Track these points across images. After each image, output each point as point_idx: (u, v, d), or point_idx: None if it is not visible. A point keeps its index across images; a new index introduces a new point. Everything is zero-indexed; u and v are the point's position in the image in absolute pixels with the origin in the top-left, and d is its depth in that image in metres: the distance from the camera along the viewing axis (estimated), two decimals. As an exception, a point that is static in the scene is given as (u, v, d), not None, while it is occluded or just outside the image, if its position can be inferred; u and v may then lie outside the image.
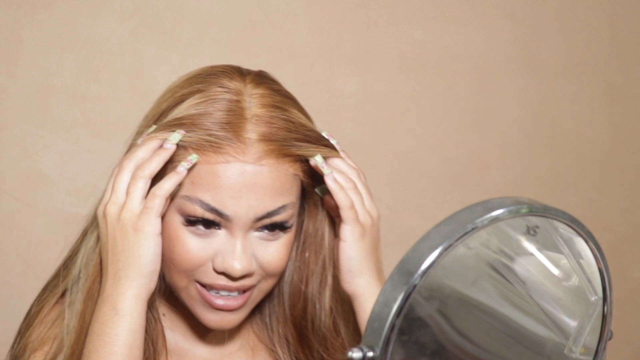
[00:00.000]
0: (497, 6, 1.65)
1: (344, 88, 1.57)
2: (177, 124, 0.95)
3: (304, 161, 0.99)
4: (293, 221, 0.99)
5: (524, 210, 0.69)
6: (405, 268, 0.65)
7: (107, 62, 1.46)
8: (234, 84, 0.97)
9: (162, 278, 1.02)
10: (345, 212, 0.99)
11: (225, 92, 0.96)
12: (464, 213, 0.67)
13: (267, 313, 1.10)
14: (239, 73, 1.01)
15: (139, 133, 1.02)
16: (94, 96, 1.46)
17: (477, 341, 0.72)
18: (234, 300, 0.98)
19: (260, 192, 0.94)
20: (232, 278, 0.96)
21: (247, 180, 0.93)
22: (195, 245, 0.95)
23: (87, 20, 1.45)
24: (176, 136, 0.94)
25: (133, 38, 1.46)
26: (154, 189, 0.93)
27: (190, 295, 0.99)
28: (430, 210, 1.63)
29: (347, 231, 1.00)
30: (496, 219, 0.68)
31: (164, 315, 1.08)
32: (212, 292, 0.98)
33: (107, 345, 0.90)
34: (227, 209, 0.94)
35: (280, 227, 0.98)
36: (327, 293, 1.06)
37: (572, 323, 0.76)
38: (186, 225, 0.95)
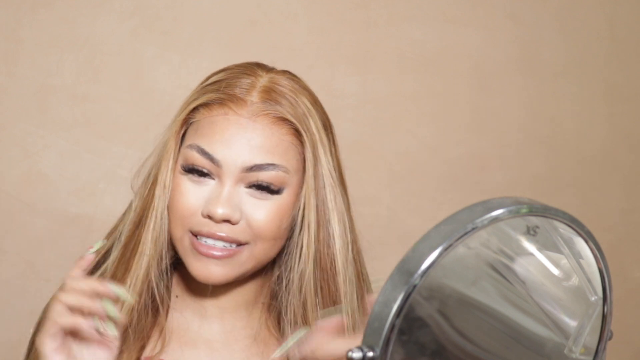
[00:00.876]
0: (497, 6, 1.65)
1: (344, 88, 1.57)
2: (195, 96, 1.06)
3: (301, 140, 1.05)
4: (283, 188, 1.04)
5: (524, 210, 0.69)
6: (405, 268, 0.65)
7: (107, 62, 1.46)
8: (259, 71, 1.08)
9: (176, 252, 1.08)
10: None
11: (245, 70, 1.07)
12: (464, 213, 0.67)
13: (285, 308, 1.10)
14: (268, 67, 1.11)
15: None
16: (94, 96, 1.46)
17: (477, 341, 0.72)
18: (218, 250, 1.03)
19: (252, 144, 1.02)
20: (215, 221, 1.01)
21: (241, 132, 1.02)
22: (189, 191, 1.03)
23: (87, 20, 1.45)
24: (97, 244, 1.02)
25: (133, 38, 1.46)
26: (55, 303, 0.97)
27: (184, 245, 1.04)
28: (430, 210, 1.63)
29: None
30: (496, 219, 0.68)
31: (177, 297, 1.12)
32: (200, 240, 1.03)
33: None
34: (217, 153, 1.02)
35: (268, 189, 1.03)
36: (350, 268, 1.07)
37: (572, 323, 0.76)
38: (184, 174, 1.04)
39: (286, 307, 1.09)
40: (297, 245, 1.07)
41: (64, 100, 1.45)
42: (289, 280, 1.08)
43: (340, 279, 1.07)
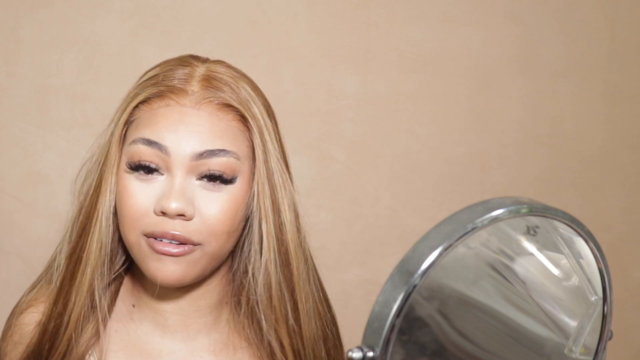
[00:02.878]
0: (497, 6, 1.65)
1: (344, 88, 1.57)
2: (133, 94, 1.03)
3: (247, 126, 1.01)
4: (236, 177, 0.99)
5: (524, 210, 0.69)
6: (405, 268, 0.65)
7: (107, 62, 1.46)
8: (195, 62, 1.05)
9: (132, 260, 1.05)
10: None
11: (180, 62, 1.04)
12: (464, 213, 0.67)
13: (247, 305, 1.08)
14: (203, 59, 1.07)
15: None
16: (94, 96, 1.46)
17: (477, 341, 0.72)
18: (174, 247, 0.97)
19: (199, 130, 0.98)
20: (169, 216, 0.96)
21: (186, 119, 0.98)
22: (137, 191, 0.98)
23: (87, 20, 1.45)
24: None
25: (133, 38, 1.46)
26: None
27: (141, 249, 0.99)
28: (430, 210, 1.63)
29: None
30: (496, 219, 0.68)
31: (133, 306, 1.08)
32: (157, 241, 0.98)
33: None
34: (165, 140, 0.97)
35: (221, 179, 0.98)
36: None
37: (572, 323, 0.76)
38: (130, 172, 0.99)
39: (255, 300, 1.05)
40: (257, 235, 1.03)
41: (63, 100, 1.45)
42: (254, 272, 1.04)
43: (294, 263, 1.04)
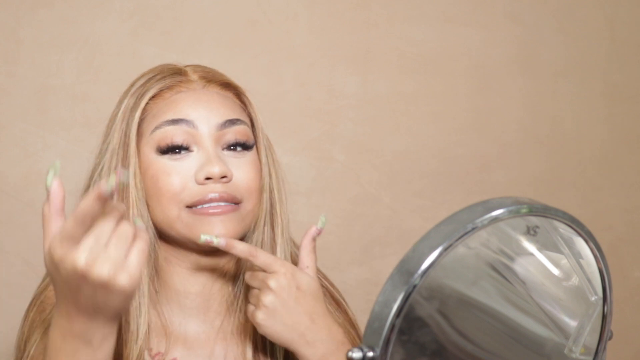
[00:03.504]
0: (497, 6, 1.65)
1: (344, 88, 1.57)
2: (137, 95, 1.09)
3: (244, 104, 1.13)
4: (253, 142, 1.11)
5: (524, 210, 0.69)
6: (405, 268, 0.65)
7: (107, 62, 1.46)
8: (177, 66, 1.14)
9: (154, 250, 1.09)
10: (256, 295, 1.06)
11: (165, 67, 1.13)
12: (464, 213, 0.67)
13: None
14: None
15: (104, 141, 1.13)
16: (94, 96, 1.46)
17: (477, 341, 0.72)
18: (224, 207, 1.05)
19: (215, 105, 1.08)
20: (215, 180, 1.04)
21: (201, 98, 1.09)
22: (175, 168, 1.05)
23: (87, 20, 1.45)
24: (111, 179, 0.82)
25: (133, 38, 1.46)
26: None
27: (184, 221, 1.05)
28: (430, 210, 1.63)
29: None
30: (496, 219, 0.68)
31: (156, 292, 1.12)
32: (203, 208, 1.05)
33: None
34: (190, 115, 1.06)
35: (243, 145, 1.09)
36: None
37: (572, 323, 0.76)
38: (161, 155, 1.06)
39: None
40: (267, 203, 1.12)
41: (63, 100, 1.45)
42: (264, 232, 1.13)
43: (279, 219, 1.14)
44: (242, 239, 1.12)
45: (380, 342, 0.64)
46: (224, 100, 1.10)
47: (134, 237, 0.82)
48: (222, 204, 1.05)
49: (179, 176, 1.05)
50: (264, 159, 1.13)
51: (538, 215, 0.71)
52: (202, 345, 1.12)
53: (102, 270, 0.79)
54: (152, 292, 1.12)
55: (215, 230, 1.04)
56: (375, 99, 1.59)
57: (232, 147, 1.08)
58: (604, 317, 0.76)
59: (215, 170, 1.04)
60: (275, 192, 1.14)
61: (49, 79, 1.44)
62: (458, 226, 0.66)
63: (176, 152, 1.06)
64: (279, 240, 1.13)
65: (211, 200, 1.04)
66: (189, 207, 1.05)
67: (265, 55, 1.53)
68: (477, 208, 0.68)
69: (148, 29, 1.47)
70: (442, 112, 1.63)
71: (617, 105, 1.74)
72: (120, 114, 1.11)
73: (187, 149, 1.06)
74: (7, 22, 1.42)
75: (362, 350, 0.64)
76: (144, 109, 1.09)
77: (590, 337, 0.77)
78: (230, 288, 1.14)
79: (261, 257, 1.03)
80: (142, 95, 1.10)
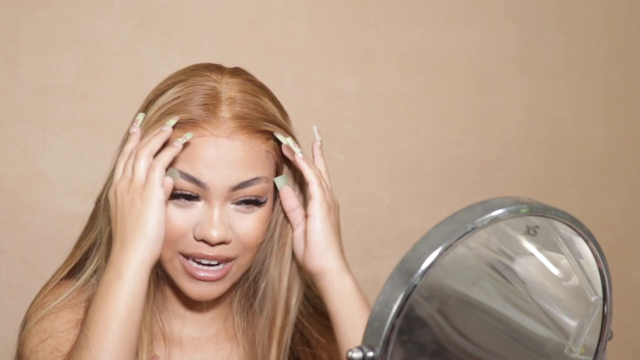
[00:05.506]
0: (497, 6, 1.65)
1: (344, 88, 1.57)
2: (162, 112, 1.06)
3: (277, 142, 1.08)
4: (267, 197, 1.07)
5: (524, 210, 0.69)
6: (405, 268, 0.65)
7: (107, 62, 1.46)
8: (212, 75, 1.08)
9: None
10: (314, 189, 1.06)
11: (205, 80, 1.07)
12: (464, 213, 0.67)
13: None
14: (218, 67, 1.11)
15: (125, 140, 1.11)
16: (94, 96, 1.46)
17: (477, 341, 0.72)
18: (213, 272, 1.05)
19: (234, 163, 1.03)
20: (210, 244, 1.03)
21: (221, 152, 1.03)
22: (177, 217, 1.04)
23: (87, 20, 1.45)
24: (172, 121, 1.03)
25: (133, 38, 1.46)
26: (153, 161, 1.01)
27: (175, 267, 1.06)
28: (430, 210, 1.63)
29: (316, 207, 1.06)
30: (496, 219, 0.68)
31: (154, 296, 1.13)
32: (194, 264, 1.05)
33: (109, 305, 0.96)
34: (204, 177, 1.03)
35: (255, 202, 1.06)
36: (285, 278, 1.12)
37: (572, 323, 0.76)
38: (169, 199, 1.04)
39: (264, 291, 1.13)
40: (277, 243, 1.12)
41: (63, 100, 1.45)
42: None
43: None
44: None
45: (380, 342, 0.64)
46: (248, 153, 1.04)
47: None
48: (214, 264, 1.05)
49: (179, 224, 1.04)
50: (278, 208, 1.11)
51: (538, 215, 0.71)
52: (199, 349, 1.13)
53: (120, 185, 1.01)
54: (149, 297, 1.13)
55: (198, 291, 1.06)
56: (375, 99, 1.59)
57: (242, 203, 1.05)
58: (604, 317, 0.76)
59: (214, 235, 1.02)
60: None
61: (49, 79, 1.44)
62: (458, 226, 0.66)
63: (183, 200, 1.04)
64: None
65: (204, 257, 1.04)
66: (183, 255, 1.05)
67: (265, 55, 1.53)
68: (477, 208, 0.68)
69: (148, 29, 1.47)
70: (442, 112, 1.63)
71: (617, 105, 1.74)
72: (143, 123, 1.09)
73: (195, 197, 1.04)
74: (7, 22, 1.42)
75: (362, 350, 0.64)
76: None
77: (590, 337, 0.77)
78: (227, 294, 1.15)
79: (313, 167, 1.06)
80: (162, 116, 1.06)
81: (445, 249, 0.65)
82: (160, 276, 1.12)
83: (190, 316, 1.15)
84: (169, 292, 1.14)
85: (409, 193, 1.62)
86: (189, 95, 1.06)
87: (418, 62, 1.61)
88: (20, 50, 1.43)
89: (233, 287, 1.14)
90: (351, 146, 1.59)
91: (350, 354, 0.64)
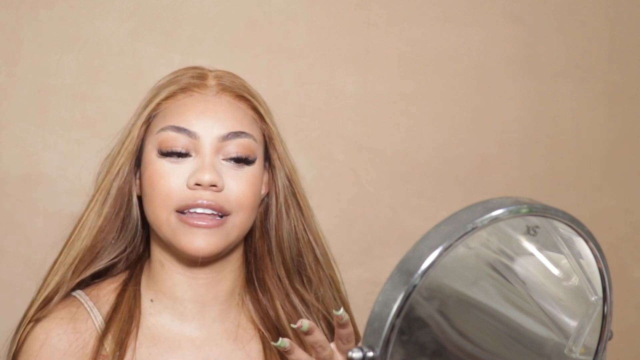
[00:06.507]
0: (497, 6, 1.65)
1: (344, 88, 1.57)
2: (155, 91, 1.13)
3: (259, 116, 1.14)
4: (256, 157, 1.11)
5: (524, 210, 0.69)
6: (405, 268, 0.65)
7: (107, 62, 1.46)
8: (198, 67, 1.17)
9: (149, 260, 1.15)
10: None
11: (194, 69, 1.16)
12: (464, 213, 0.67)
13: (259, 286, 1.18)
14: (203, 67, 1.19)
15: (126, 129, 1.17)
16: (94, 96, 1.46)
17: (477, 341, 0.72)
18: (209, 220, 1.07)
19: (222, 115, 1.10)
20: (203, 186, 1.06)
21: (209, 106, 1.10)
22: (169, 171, 1.08)
23: (87, 20, 1.45)
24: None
25: (133, 38, 1.46)
26: None
27: (171, 226, 1.08)
28: (430, 210, 1.63)
29: None
30: (496, 219, 0.68)
31: (151, 301, 1.14)
32: (187, 214, 1.07)
33: None
34: (193, 126, 1.09)
35: (245, 160, 1.10)
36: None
37: (572, 323, 0.76)
38: (161, 157, 1.09)
39: (270, 279, 1.17)
40: (280, 212, 1.16)
41: (64, 100, 1.45)
42: (279, 241, 1.17)
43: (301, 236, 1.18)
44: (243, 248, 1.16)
45: (380, 342, 0.64)
46: (234, 110, 1.12)
47: None
48: (209, 212, 1.07)
49: (172, 179, 1.08)
50: (277, 175, 1.15)
51: (538, 215, 0.71)
52: (198, 350, 1.12)
53: None
54: (147, 300, 1.13)
55: (195, 243, 1.07)
56: (375, 99, 1.59)
57: (232, 160, 1.10)
58: (604, 317, 0.77)
59: (206, 177, 1.06)
60: (290, 208, 1.16)
61: (49, 79, 1.44)
62: (458, 226, 0.66)
63: (175, 157, 1.09)
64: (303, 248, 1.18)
65: (198, 206, 1.07)
66: (178, 211, 1.07)
67: (265, 55, 1.53)
68: (477, 208, 0.68)
69: (148, 29, 1.47)
70: (442, 112, 1.63)
71: (617, 105, 1.73)
72: (139, 106, 1.16)
73: (186, 154, 1.09)
74: (7, 22, 1.42)
75: (362, 350, 0.64)
76: (159, 104, 1.13)
77: (590, 337, 0.77)
78: (226, 293, 1.15)
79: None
80: (157, 94, 1.14)
81: (445, 249, 0.65)
82: (157, 272, 1.13)
83: (190, 315, 1.13)
84: (166, 289, 1.14)
85: (409, 193, 1.62)
86: (180, 75, 1.14)
87: (418, 62, 1.61)
88: (20, 50, 1.43)
89: (233, 281, 1.15)
90: (351, 146, 1.59)
91: (350, 354, 0.64)
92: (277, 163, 1.16)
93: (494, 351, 0.74)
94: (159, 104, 1.13)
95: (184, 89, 1.12)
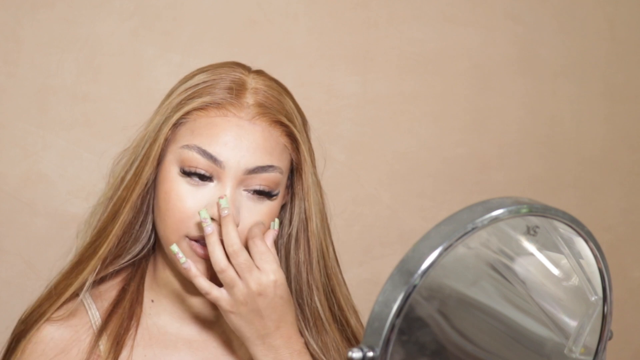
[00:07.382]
0: (497, 6, 1.65)
1: (344, 88, 1.57)
2: (187, 94, 1.06)
3: (292, 140, 1.09)
4: (279, 191, 1.07)
5: (524, 210, 0.69)
6: (405, 268, 0.65)
7: (107, 62, 1.46)
8: (239, 69, 1.10)
9: (154, 259, 1.12)
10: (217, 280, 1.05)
11: (231, 71, 1.09)
12: (464, 213, 0.67)
13: None
14: (244, 65, 1.13)
15: (151, 120, 1.11)
16: (94, 96, 1.46)
17: (477, 341, 0.72)
18: None
19: (253, 146, 1.04)
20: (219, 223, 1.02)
21: (242, 133, 1.04)
22: (188, 195, 1.03)
23: (87, 20, 1.45)
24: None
25: (133, 38, 1.46)
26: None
27: (181, 248, 1.04)
28: (430, 210, 1.63)
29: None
30: (496, 219, 0.68)
31: (152, 301, 1.13)
32: (201, 245, 1.04)
33: None
34: (221, 155, 1.03)
35: (267, 194, 1.06)
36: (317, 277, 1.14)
37: (572, 323, 0.76)
38: (182, 176, 1.04)
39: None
40: (299, 239, 1.12)
41: (64, 100, 1.44)
42: (298, 269, 1.12)
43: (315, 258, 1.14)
44: None
45: (380, 342, 0.64)
46: (266, 141, 1.05)
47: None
48: None
49: (189, 204, 1.03)
50: (296, 206, 1.11)
51: (538, 215, 0.71)
52: (195, 353, 1.12)
53: None
54: (148, 300, 1.13)
55: (204, 273, 1.04)
56: (375, 99, 1.59)
57: (253, 192, 1.05)
58: (604, 317, 0.77)
59: (224, 213, 1.01)
60: (308, 242, 1.12)
61: (49, 79, 1.44)
62: (458, 226, 0.66)
63: (197, 178, 1.04)
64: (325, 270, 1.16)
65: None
66: (190, 239, 1.04)
67: (265, 55, 1.53)
68: (477, 208, 0.68)
69: (148, 29, 1.47)
70: (442, 112, 1.63)
71: (617, 105, 1.74)
72: (165, 105, 1.09)
73: (209, 178, 1.04)
74: (7, 22, 1.42)
75: (362, 350, 0.64)
76: (189, 112, 1.06)
77: (590, 337, 0.77)
78: None
79: (258, 246, 1.02)
80: (190, 98, 1.07)
81: (445, 249, 0.65)
82: (159, 272, 1.13)
83: (190, 315, 1.14)
84: (167, 291, 1.13)
85: (409, 193, 1.62)
86: (216, 80, 1.07)
87: (418, 62, 1.61)
88: (20, 50, 1.43)
89: None
90: (351, 146, 1.59)
91: (350, 354, 0.64)
92: (299, 194, 1.11)
93: (494, 351, 0.74)
94: (189, 112, 1.06)
95: (217, 106, 1.05)
